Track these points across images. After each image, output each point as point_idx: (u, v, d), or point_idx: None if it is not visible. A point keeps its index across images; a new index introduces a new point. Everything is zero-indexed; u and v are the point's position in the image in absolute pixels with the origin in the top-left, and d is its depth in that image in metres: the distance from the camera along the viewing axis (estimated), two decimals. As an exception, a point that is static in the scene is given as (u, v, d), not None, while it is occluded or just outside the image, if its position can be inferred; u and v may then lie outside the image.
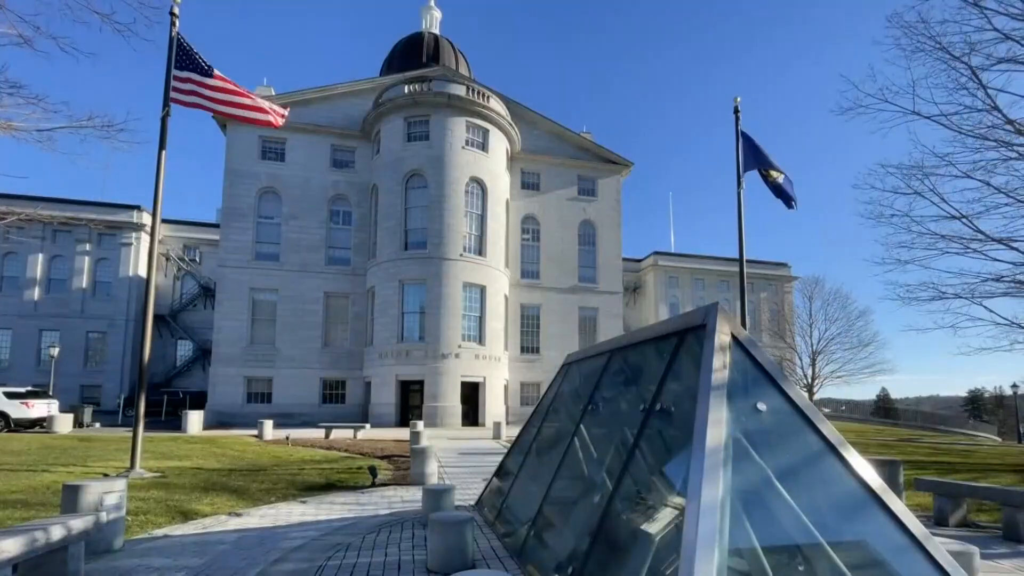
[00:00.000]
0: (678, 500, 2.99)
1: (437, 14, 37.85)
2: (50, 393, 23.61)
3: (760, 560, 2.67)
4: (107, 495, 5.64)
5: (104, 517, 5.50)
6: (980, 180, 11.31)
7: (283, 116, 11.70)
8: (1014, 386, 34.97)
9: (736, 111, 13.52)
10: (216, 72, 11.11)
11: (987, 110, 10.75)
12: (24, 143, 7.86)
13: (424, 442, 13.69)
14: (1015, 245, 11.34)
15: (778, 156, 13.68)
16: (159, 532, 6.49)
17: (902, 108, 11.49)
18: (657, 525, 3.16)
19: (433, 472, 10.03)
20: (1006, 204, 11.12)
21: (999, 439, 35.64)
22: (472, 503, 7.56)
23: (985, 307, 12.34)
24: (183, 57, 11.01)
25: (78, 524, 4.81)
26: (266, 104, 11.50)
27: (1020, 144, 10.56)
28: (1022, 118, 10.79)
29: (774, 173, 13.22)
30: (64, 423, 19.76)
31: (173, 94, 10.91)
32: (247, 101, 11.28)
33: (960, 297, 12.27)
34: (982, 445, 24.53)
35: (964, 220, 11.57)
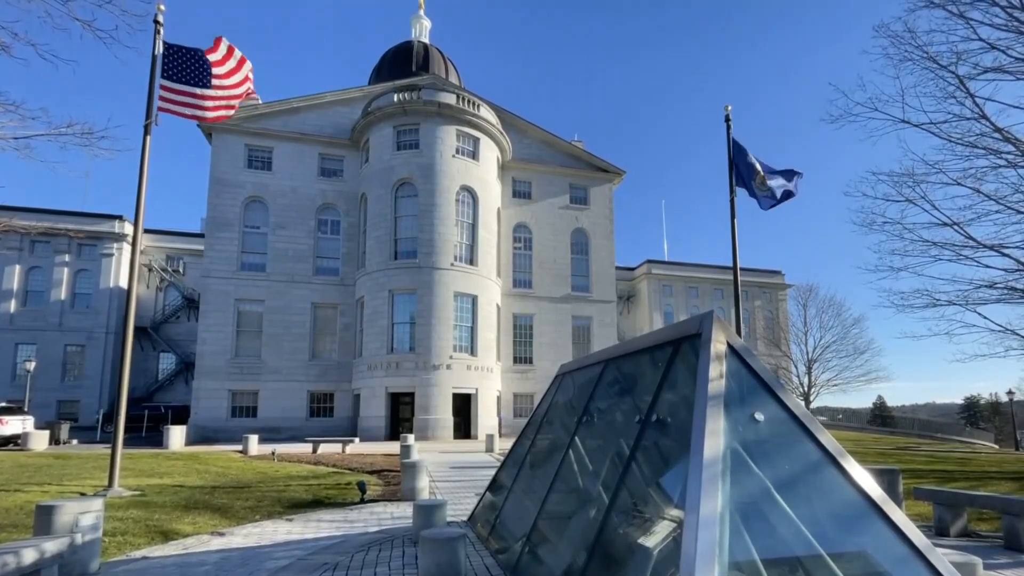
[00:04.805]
0: (676, 513, 2.92)
1: (427, 23, 38.12)
2: (25, 409, 22.91)
3: (760, 573, 2.60)
4: (83, 515, 5.43)
5: (79, 539, 5.30)
6: (970, 187, 11.52)
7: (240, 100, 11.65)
8: (1010, 393, 35.47)
9: (727, 120, 13.69)
10: (214, 66, 10.95)
11: (975, 118, 10.99)
12: (0, 151, 7.67)
13: (415, 456, 13.46)
14: (1007, 251, 11.53)
15: (772, 163, 13.73)
16: (138, 554, 6.25)
17: (892, 117, 11.72)
18: (655, 538, 3.09)
19: (424, 487, 9.83)
20: (996, 211, 11.32)
21: (996, 446, 35.96)
22: (465, 519, 7.40)
23: (979, 313, 12.53)
24: (171, 65, 10.86)
25: (51, 546, 4.66)
26: (244, 89, 11.46)
27: (1009, 152, 10.79)
28: (1010, 126, 11.02)
29: (769, 181, 13.30)
30: (40, 440, 19.17)
31: (162, 104, 10.75)
32: (230, 98, 11.21)
33: (954, 304, 12.44)
34: (979, 452, 24.78)
35: (956, 227, 11.76)
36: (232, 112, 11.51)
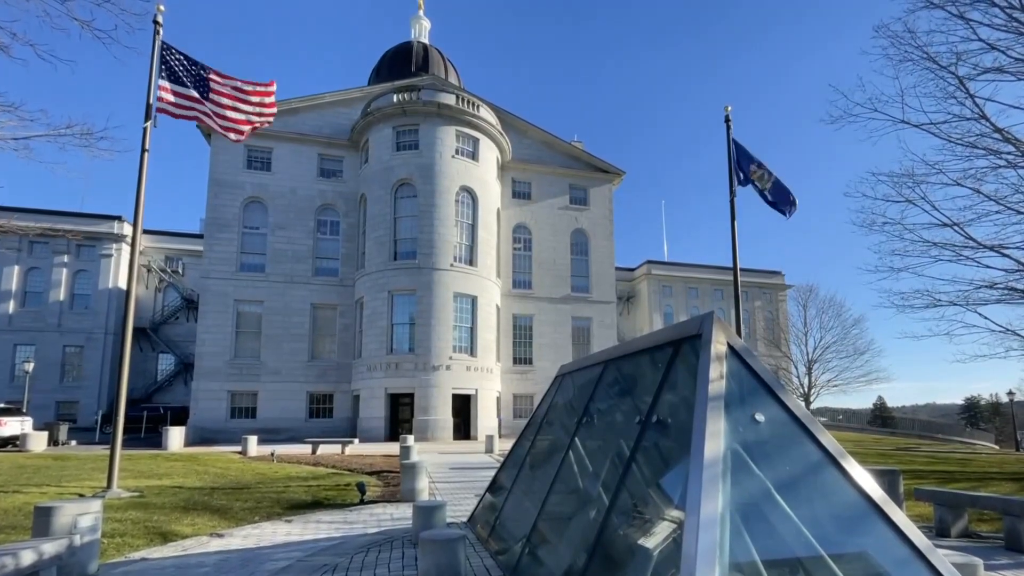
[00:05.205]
0: (676, 514, 2.91)
1: (426, 23, 38.11)
2: (24, 410, 22.87)
3: (761, 574, 2.59)
4: (81, 517, 5.41)
5: (78, 540, 5.28)
6: (970, 188, 11.53)
7: (256, 127, 11.57)
8: (1010, 393, 35.51)
9: (727, 120, 13.69)
10: (212, 76, 10.93)
11: (975, 119, 10.98)
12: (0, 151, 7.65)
13: (414, 457, 13.44)
14: (1007, 252, 11.53)
15: (771, 164, 13.79)
16: (136, 555, 6.23)
17: (891, 117, 11.72)
18: (655, 540, 3.08)
19: (424, 488, 9.80)
20: (996, 211, 11.33)
21: (997, 447, 35.95)
22: (464, 520, 7.39)
23: (979, 314, 12.54)
24: (170, 67, 10.85)
25: (50, 548, 4.65)
26: (249, 113, 11.35)
27: (1009, 152, 10.79)
28: (1010, 126, 11.01)
29: (764, 177, 13.34)
30: (38, 441, 19.15)
31: (160, 104, 10.74)
32: (230, 114, 11.13)
33: (955, 304, 12.43)
34: (980, 453, 24.74)
35: (956, 228, 11.76)
36: (237, 137, 11.39)
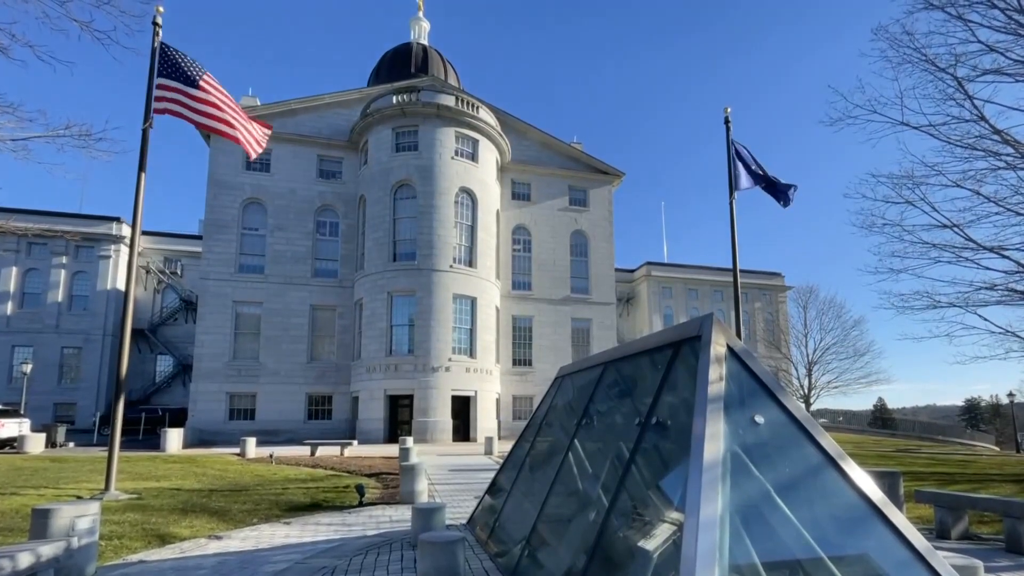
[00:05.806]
0: (676, 516, 2.91)
1: (426, 25, 38.17)
2: (22, 411, 22.82)
3: (760, 576, 2.59)
4: (79, 519, 5.39)
5: (76, 542, 5.26)
6: (970, 189, 11.54)
7: (259, 147, 11.68)
8: (1010, 395, 35.57)
9: (727, 122, 13.72)
10: (205, 79, 10.93)
11: (975, 120, 11.01)
12: (-2, 153, 7.64)
13: (414, 459, 13.41)
14: (1007, 253, 11.54)
15: (771, 164, 13.94)
16: (134, 557, 6.21)
17: (891, 119, 11.72)
18: (655, 542, 3.07)
19: (423, 490, 9.78)
20: (996, 213, 11.34)
21: (997, 448, 35.94)
22: (464, 522, 7.37)
23: (979, 315, 12.54)
24: (168, 65, 10.85)
25: (47, 550, 4.62)
26: (249, 128, 11.41)
27: (1008, 154, 10.81)
28: (1009, 128, 11.04)
29: (759, 175, 13.43)
30: (36, 443, 19.11)
31: (156, 103, 10.73)
32: (230, 118, 11.14)
33: (954, 306, 12.44)
34: (980, 455, 24.75)
35: (955, 229, 11.77)
36: (220, 127, 11.38)
